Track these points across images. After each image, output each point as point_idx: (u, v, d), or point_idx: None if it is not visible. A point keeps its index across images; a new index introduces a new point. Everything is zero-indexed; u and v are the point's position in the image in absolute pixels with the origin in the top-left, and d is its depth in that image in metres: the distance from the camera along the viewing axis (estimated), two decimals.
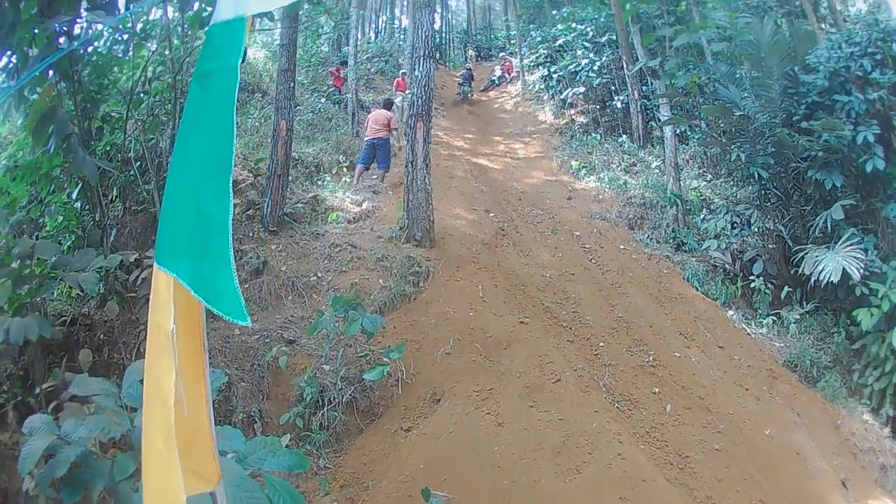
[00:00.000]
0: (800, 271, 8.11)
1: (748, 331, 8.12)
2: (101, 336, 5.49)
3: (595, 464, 4.75)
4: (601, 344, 6.94)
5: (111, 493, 2.50)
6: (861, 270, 7.36)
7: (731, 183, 10.69)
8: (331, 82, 15.99)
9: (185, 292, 1.17)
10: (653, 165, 12.56)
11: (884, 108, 8.06)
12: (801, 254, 8.15)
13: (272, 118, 9.32)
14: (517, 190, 11.79)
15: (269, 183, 8.53)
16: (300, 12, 11.53)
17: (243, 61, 1.24)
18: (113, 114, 6.65)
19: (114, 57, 6.39)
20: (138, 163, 6.62)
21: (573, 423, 5.18)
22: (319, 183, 10.56)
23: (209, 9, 5.85)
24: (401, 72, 16.38)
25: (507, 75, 21.81)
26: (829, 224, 8.05)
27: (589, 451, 4.88)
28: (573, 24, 17.22)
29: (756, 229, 9.33)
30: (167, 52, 6.67)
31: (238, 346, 6.02)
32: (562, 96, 16.45)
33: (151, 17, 7.07)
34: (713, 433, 5.85)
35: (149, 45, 6.86)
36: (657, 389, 6.36)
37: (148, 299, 1.75)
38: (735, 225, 9.43)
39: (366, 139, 11.09)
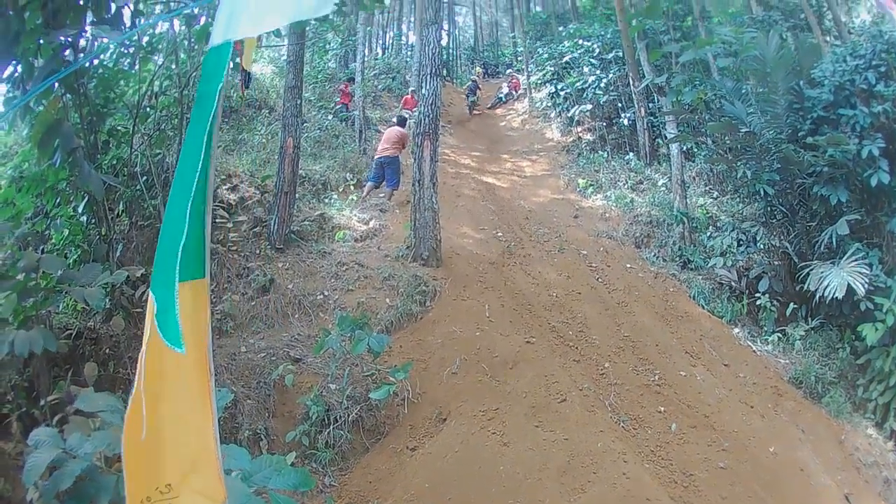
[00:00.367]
0: (805, 287, 8.04)
1: (753, 348, 8.07)
2: (107, 350, 5.51)
3: (600, 483, 4.71)
4: (607, 363, 6.91)
5: None
6: (865, 285, 7.31)
7: (738, 200, 10.61)
8: (338, 98, 15.99)
9: (188, 311, 1.19)
10: (659, 183, 12.51)
11: (888, 120, 8.02)
12: (807, 270, 8.09)
13: (279, 135, 9.38)
14: (524, 208, 11.79)
15: (276, 200, 8.55)
16: (307, 28, 11.60)
17: (248, 82, 1.28)
18: (119, 128, 6.63)
19: (120, 70, 6.40)
20: (144, 178, 6.60)
21: (578, 443, 5.15)
22: (326, 201, 10.57)
23: None
24: (409, 89, 16.45)
25: (514, 92, 21.77)
26: (834, 239, 7.99)
27: (594, 470, 4.85)
28: (580, 41, 17.19)
29: (762, 246, 9.29)
30: (174, 67, 6.72)
31: (244, 363, 6.04)
32: (569, 114, 16.42)
33: (158, 31, 7.13)
34: (718, 451, 5.81)
35: (155, 58, 6.89)
36: (662, 408, 6.33)
37: None
38: (741, 242, 9.38)
39: (375, 157, 11.04)
